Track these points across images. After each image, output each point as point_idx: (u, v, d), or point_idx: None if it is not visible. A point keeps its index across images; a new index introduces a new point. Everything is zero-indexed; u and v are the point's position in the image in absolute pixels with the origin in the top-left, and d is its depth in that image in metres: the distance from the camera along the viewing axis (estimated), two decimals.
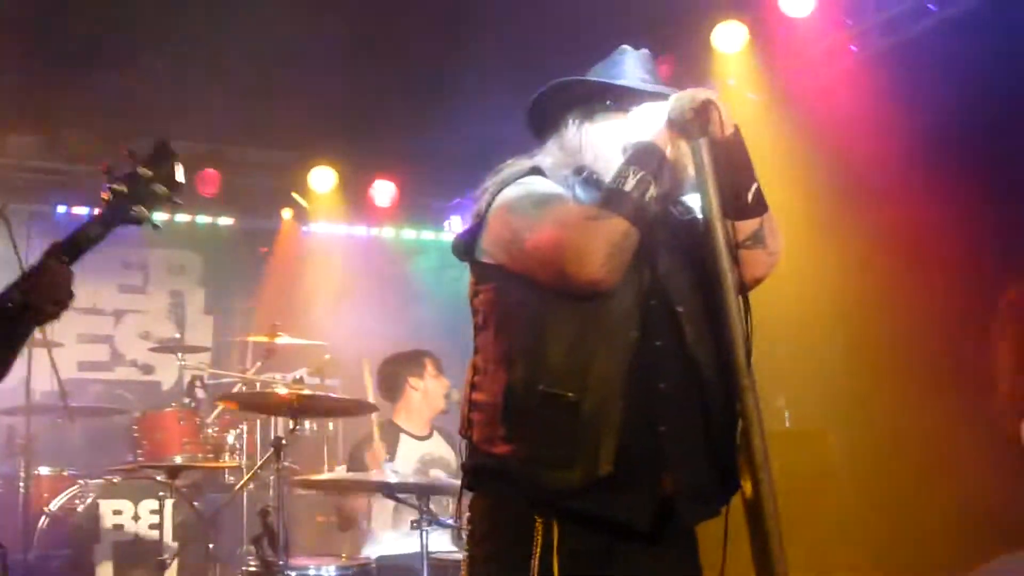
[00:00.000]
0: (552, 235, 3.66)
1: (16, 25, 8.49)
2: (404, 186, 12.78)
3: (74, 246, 3.84)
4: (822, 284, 8.73)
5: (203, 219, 12.88)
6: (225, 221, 13.01)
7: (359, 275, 12.51)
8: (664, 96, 3.86)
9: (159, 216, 4.04)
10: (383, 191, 12.75)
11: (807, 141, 8.96)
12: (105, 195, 3.91)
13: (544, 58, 6.57)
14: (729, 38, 9.40)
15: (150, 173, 3.95)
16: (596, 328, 3.68)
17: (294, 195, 12.50)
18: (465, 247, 4.01)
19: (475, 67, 9.56)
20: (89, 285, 12.08)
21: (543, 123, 4.18)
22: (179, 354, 10.47)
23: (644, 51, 4.19)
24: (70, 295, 3.83)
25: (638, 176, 3.68)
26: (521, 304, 3.79)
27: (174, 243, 12.87)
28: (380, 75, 10.09)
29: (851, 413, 8.65)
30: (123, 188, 3.91)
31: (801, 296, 8.48)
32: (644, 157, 3.74)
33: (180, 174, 4.02)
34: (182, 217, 12.65)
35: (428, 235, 13.79)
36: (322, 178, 12.38)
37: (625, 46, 4.18)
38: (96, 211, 3.95)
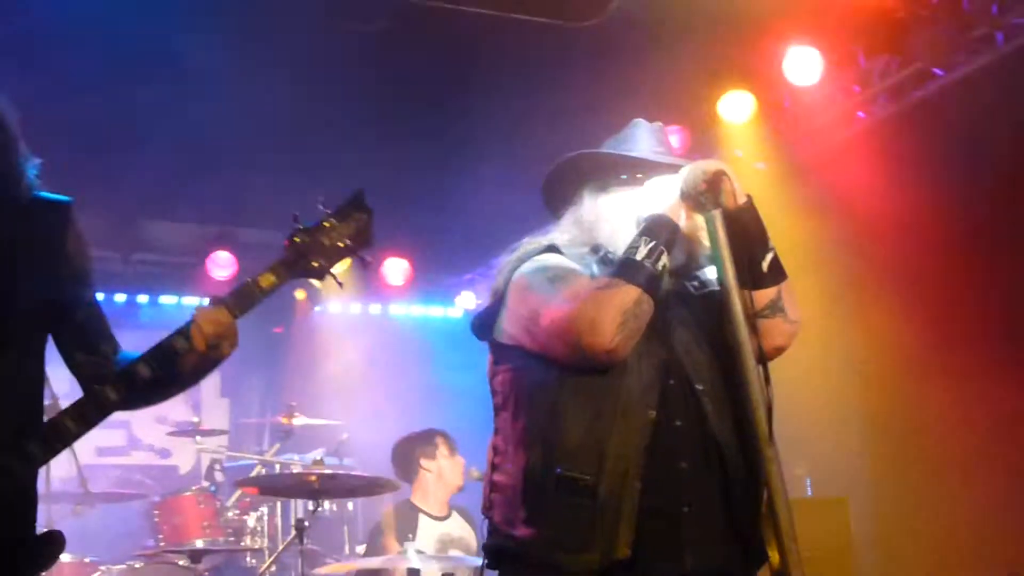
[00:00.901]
0: (566, 308, 3.67)
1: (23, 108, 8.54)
2: (416, 263, 12.80)
3: (245, 297, 3.66)
4: (839, 351, 8.71)
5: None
6: None
7: (373, 353, 12.51)
8: (677, 168, 3.88)
9: (339, 269, 3.76)
10: (395, 269, 12.77)
11: (818, 209, 8.97)
12: (286, 243, 3.68)
13: (556, 133, 6.60)
14: (736, 108, 9.43)
15: (338, 225, 3.72)
16: (613, 408, 3.68)
17: None
18: (483, 326, 4.02)
19: (485, 143, 9.59)
20: None
21: (558, 198, 4.19)
22: (196, 438, 10.43)
23: (657, 123, 4.21)
24: (233, 345, 3.66)
25: (649, 245, 3.70)
26: (539, 385, 3.79)
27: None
28: (390, 153, 10.12)
29: (873, 481, 8.61)
30: (306, 239, 3.68)
31: (820, 364, 8.47)
32: (655, 227, 3.76)
33: (370, 228, 3.76)
34: (194, 300, 12.66)
35: (441, 312, 13.79)
36: None
37: (639, 119, 4.21)
38: (275, 260, 3.71)
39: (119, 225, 11.33)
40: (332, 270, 3.71)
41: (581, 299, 3.66)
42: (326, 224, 3.69)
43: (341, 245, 3.69)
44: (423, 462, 8.56)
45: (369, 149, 9.90)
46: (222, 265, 12.09)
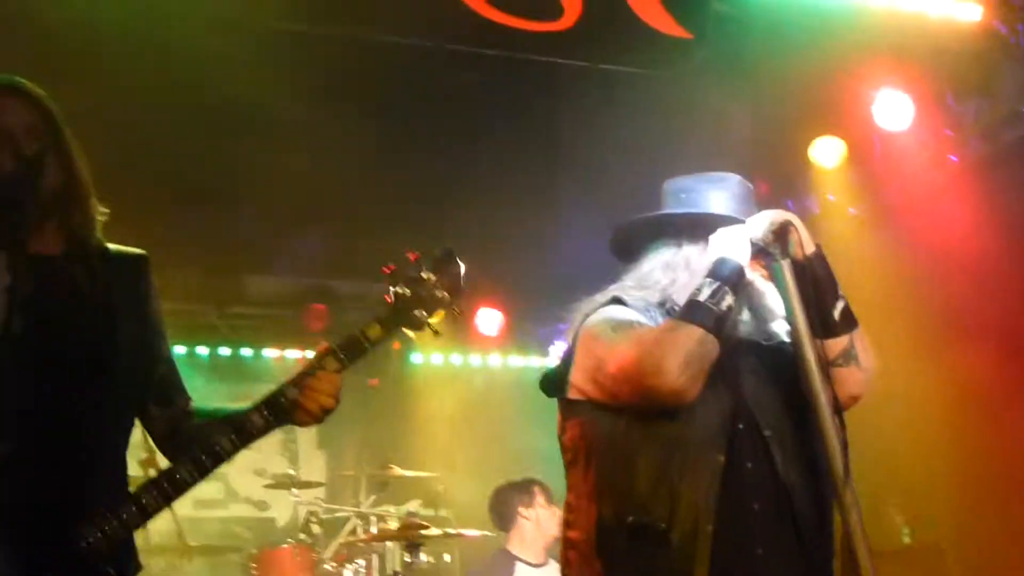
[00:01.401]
0: (632, 353, 3.67)
1: (123, 164, 8.69)
2: (510, 313, 12.82)
3: (353, 347, 3.75)
4: (933, 395, 8.63)
5: (311, 354, 12.96)
6: None
7: (468, 404, 12.54)
8: (743, 222, 3.90)
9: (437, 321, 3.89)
10: (489, 319, 12.80)
11: (910, 253, 8.91)
12: (388, 297, 3.81)
13: (647, 182, 6.62)
14: (827, 153, 9.40)
15: (434, 277, 3.86)
16: (682, 454, 3.68)
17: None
18: (553, 384, 4.05)
19: (577, 192, 9.63)
20: None
21: (627, 250, 4.22)
22: (293, 490, 10.49)
23: (730, 176, 4.22)
24: (337, 400, 3.75)
25: (713, 287, 3.70)
26: (607, 436, 3.80)
27: (284, 378, 12.95)
28: (483, 203, 10.19)
29: (972, 528, 8.49)
30: (406, 291, 3.82)
31: (915, 408, 8.41)
32: (720, 269, 3.76)
33: (464, 281, 3.93)
34: (293, 353, 12.80)
35: (535, 361, 13.79)
36: None
37: (710, 173, 4.22)
38: (377, 313, 3.83)
39: (217, 278, 11.47)
40: (431, 320, 3.83)
41: (645, 342, 3.67)
42: (424, 277, 3.83)
43: (438, 297, 3.83)
44: (521, 510, 8.57)
45: (462, 201, 9.98)
46: (318, 317, 12.20)
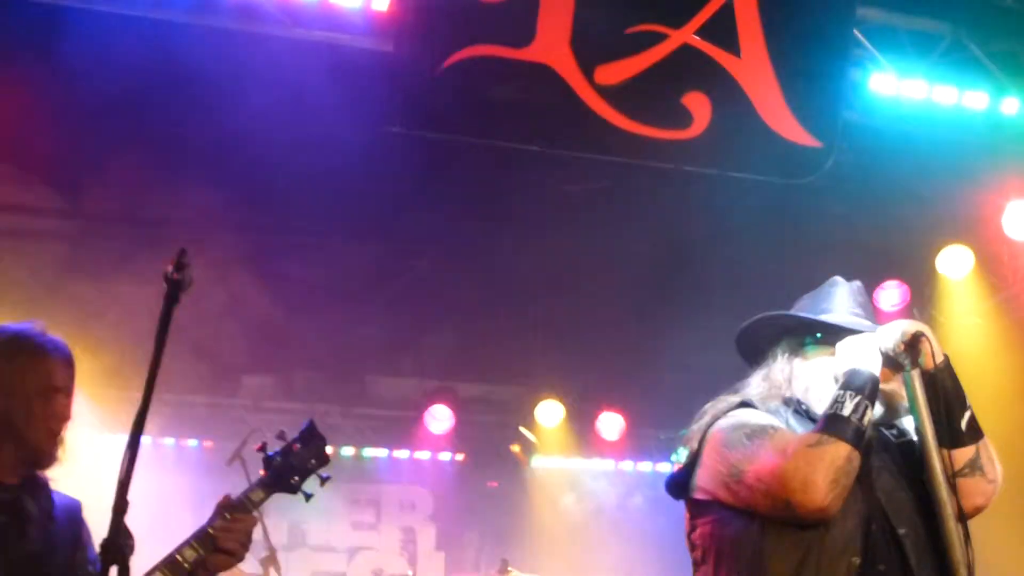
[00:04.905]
0: (774, 465, 3.64)
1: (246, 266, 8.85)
2: (631, 418, 12.77)
3: (241, 507, 4.24)
4: None
5: (433, 455, 13.04)
6: (455, 456, 13.15)
7: (586, 509, 12.49)
8: (872, 331, 3.87)
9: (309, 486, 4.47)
10: (610, 424, 12.76)
11: None
12: (263, 472, 4.37)
13: (771, 288, 6.60)
14: (955, 263, 9.32)
15: (302, 449, 4.45)
16: (818, 556, 3.63)
17: (522, 429, 12.59)
18: (679, 485, 4.02)
19: (698, 297, 9.62)
20: (322, 522, 12.27)
21: (751, 353, 4.22)
22: None
23: (856, 283, 4.20)
24: (240, 549, 4.21)
25: (855, 400, 3.67)
26: (740, 537, 3.76)
27: (405, 478, 13.04)
28: (604, 308, 10.22)
29: None
30: (280, 462, 4.39)
31: None
32: (859, 382, 3.73)
33: (327, 451, 4.51)
34: (412, 453, 12.85)
35: (655, 467, 13.68)
36: (550, 412, 12.47)
37: (836, 277, 4.21)
38: (258, 479, 4.39)
39: (342, 380, 11.57)
40: (303, 487, 4.45)
41: (790, 456, 3.63)
42: (294, 449, 4.44)
43: (307, 466, 4.45)
44: None
45: (583, 306, 10.01)
46: (440, 419, 12.26)
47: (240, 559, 4.23)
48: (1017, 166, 8.31)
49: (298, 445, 4.46)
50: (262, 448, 4.44)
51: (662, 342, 10.22)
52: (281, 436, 4.45)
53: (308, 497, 4.46)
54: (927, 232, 9.19)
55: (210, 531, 4.12)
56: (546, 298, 10.00)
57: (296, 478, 4.41)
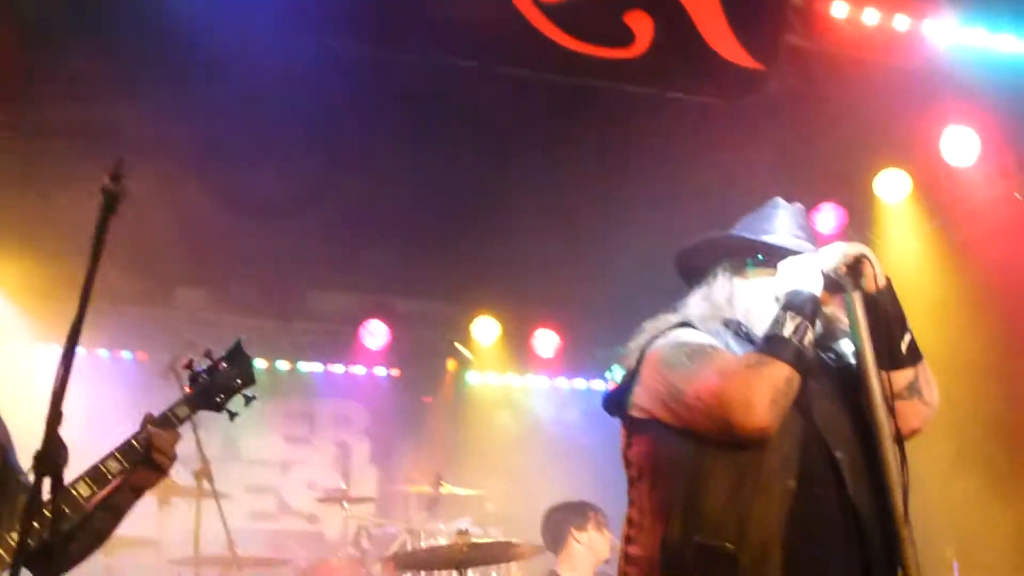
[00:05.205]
0: (714, 385, 3.66)
1: (183, 179, 8.77)
2: (567, 336, 12.83)
3: (165, 422, 4.27)
4: (993, 432, 8.57)
5: (368, 370, 13.05)
6: (390, 371, 13.17)
7: (521, 424, 12.55)
8: (815, 252, 3.89)
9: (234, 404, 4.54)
10: (545, 341, 12.82)
11: (972, 289, 8.86)
12: (188, 388, 4.43)
13: (708, 207, 6.62)
14: (892, 187, 9.37)
15: (228, 368, 4.53)
16: (754, 478, 3.67)
17: (458, 346, 12.61)
18: (616, 403, 4.04)
19: (635, 217, 9.63)
20: (255, 436, 12.26)
21: (692, 274, 4.23)
22: (344, 504, 10.51)
23: (797, 205, 4.22)
24: (166, 463, 4.24)
25: (796, 321, 3.70)
26: (676, 456, 3.79)
27: (339, 393, 13.05)
28: (542, 227, 10.21)
29: (1020, 563, 8.41)
30: (207, 379, 4.46)
31: (970, 444, 8.34)
32: (799, 303, 3.76)
33: (253, 370, 4.60)
34: (347, 367, 12.86)
35: (590, 384, 13.76)
36: (485, 329, 12.51)
37: (778, 199, 4.22)
38: (183, 396, 4.42)
39: (278, 293, 11.52)
40: (228, 405, 4.51)
41: (730, 376, 3.66)
42: (220, 367, 4.52)
43: (233, 385, 4.52)
44: (574, 532, 8.54)
45: (522, 225, 10.00)
46: (376, 334, 12.27)
47: (164, 474, 4.26)
48: (955, 91, 8.34)
49: (224, 364, 4.54)
50: (189, 365, 4.48)
51: (598, 261, 10.24)
52: (208, 354, 4.53)
53: (232, 416, 4.52)
54: (865, 156, 9.21)
55: (134, 443, 4.15)
56: (484, 215, 9.97)
57: (221, 396, 4.49)
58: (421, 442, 12.90)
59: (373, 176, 9.34)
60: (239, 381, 4.53)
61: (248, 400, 4.56)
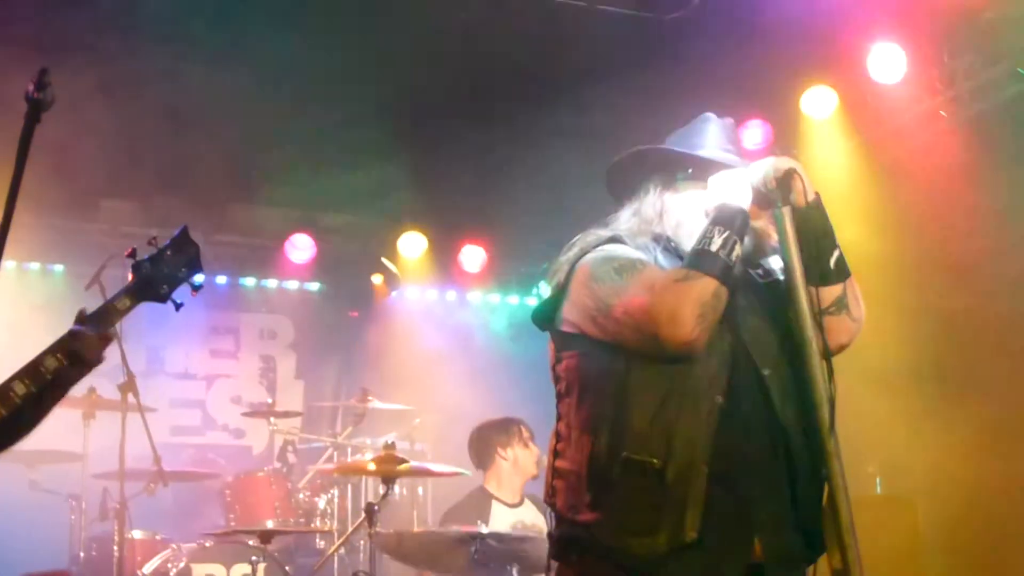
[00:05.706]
0: (642, 300, 3.67)
1: (107, 90, 8.66)
2: (493, 251, 12.83)
3: (104, 316, 4.14)
4: (917, 349, 8.66)
5: (293, 284, 13.01)
6: (316, 286, 13.14)
7: (449, 339, 12.55)
8: (744, 166, 3.89)
9: (180, 294, 4.35)
10: (472, 256, 12.82)
11: (897, 207, 8.93)
12: (132, 275, 4.23)
13: (636, 123, 6.62)
14: (818, 104, 9.40)
15: (172, 256, 4.30)
16: (681, 393, 3.69)
17: (384, 260, 12.57)
18: (545, 316, 4.03)
19: (563, 132, 9.62)
20: (180, 349, 12.22)
21: (622, 188, 4.22)
22: (270, 419, 10.50)
23: (727, 120, 4.21)
24: (99, 360, 4.11)
25: (723, 236, 3.70)
26: (604, 371, 3.80)
27: (265, 308, 13.00)
28: (470, 141, 10.18)
29: (943, 480, 8.53)
30: (149, 269, 4.25)
31: (895, 361, 8.43)
32: (728, 217, 3.76)
33: (199, 259, 4.39)
34: (273, 282, 12.81)
35: (517, 300, 13.78)
36: (412, 243, 12.49)
37: (708, 114, 4.21)
38: (125, 286, 4.25)
39: (202, 207, 11.41)
40: (172, 295, 4.30)
41: (658, 291, 3.66)
42: (165, 256, 4.29)
43: (178, 274, 4.31)
44: (500, 450, 8.59)
45: (449, 138, 9.97)
46: (301, 248, 12.22)
47: (90, 368, 4.12)
48: (882, 8, 8.35)
49: (169, 252, 4.31)
50: (132, 254, 4.26)
51: (526, 177, 10.23)
52: (152, 242, 4.31)
53: (178, 306, 4.30)
54: (791, 72, 9.21)
55: (68, 338, 4.03)
56: (411, 127, 9.93)
57: (166, 287, 4.27)
58: (347, 357, 12.90)
59: (299, 88, 9.27)
60: (185, 270, 4.32)
61: (196, 289, 4.37)
